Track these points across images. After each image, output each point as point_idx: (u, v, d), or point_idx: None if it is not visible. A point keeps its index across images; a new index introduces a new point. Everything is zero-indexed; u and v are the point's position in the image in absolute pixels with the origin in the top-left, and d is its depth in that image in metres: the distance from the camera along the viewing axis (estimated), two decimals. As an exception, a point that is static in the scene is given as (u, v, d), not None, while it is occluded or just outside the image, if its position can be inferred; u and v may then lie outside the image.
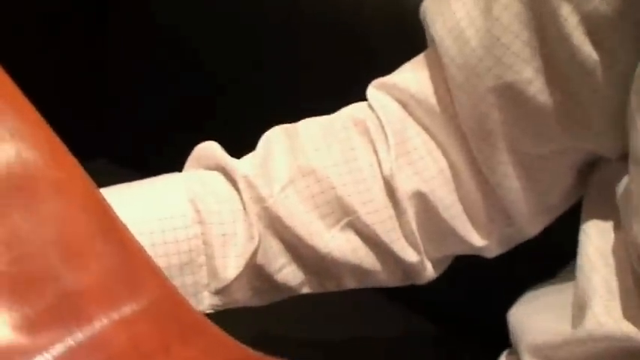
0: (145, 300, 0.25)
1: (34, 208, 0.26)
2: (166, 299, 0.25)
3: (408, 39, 0.57)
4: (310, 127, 0.53)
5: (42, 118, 0.28)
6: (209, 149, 0.52)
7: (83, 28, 0.99)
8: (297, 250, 0.51)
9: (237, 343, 0.24)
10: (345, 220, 0.51)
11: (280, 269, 0.51)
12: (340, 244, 0.51)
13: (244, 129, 0.54)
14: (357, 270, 0.53)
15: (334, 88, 0.68)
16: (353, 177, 0.51)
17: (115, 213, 0.27)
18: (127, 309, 0.25)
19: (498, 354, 0.56)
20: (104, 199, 0.27)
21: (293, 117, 0.54)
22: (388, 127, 0.52)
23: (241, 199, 0.50)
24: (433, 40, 0.50)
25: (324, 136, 0.52)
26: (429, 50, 0.52)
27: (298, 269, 0.52)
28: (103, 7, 0.96)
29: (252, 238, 0.49)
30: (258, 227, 0.49)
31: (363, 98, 0.54)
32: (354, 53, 0.81)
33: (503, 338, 0.55)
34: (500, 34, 0.46)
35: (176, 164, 0.53)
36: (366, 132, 0.52)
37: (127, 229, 0.27)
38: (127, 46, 0.98)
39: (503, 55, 0.47)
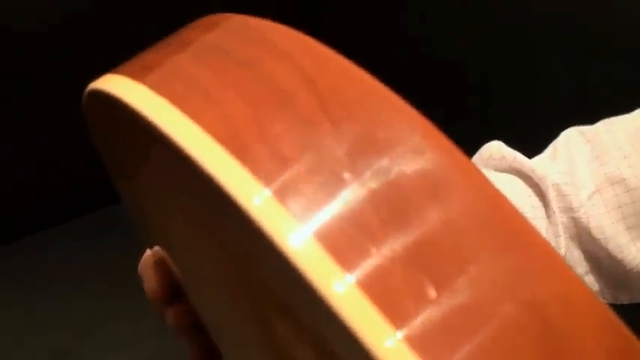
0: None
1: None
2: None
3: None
4: (613, 130, 0.50)
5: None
6: (503, 149, 0.50)
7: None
8: (599, 261, 0.50)
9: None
10: None
11: None
12: None
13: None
14: None
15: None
16: None
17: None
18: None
19: None
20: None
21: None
22: None
23: (546, 207, 0.48)
24: None
25: (631, 142, 0.50)
26: None
27: (595, 280, 0.50)
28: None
29: (558, 249, 0.48)
30: (564, 238, 0.48)
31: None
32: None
33: None
34: None
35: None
36: None
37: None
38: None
39: None
